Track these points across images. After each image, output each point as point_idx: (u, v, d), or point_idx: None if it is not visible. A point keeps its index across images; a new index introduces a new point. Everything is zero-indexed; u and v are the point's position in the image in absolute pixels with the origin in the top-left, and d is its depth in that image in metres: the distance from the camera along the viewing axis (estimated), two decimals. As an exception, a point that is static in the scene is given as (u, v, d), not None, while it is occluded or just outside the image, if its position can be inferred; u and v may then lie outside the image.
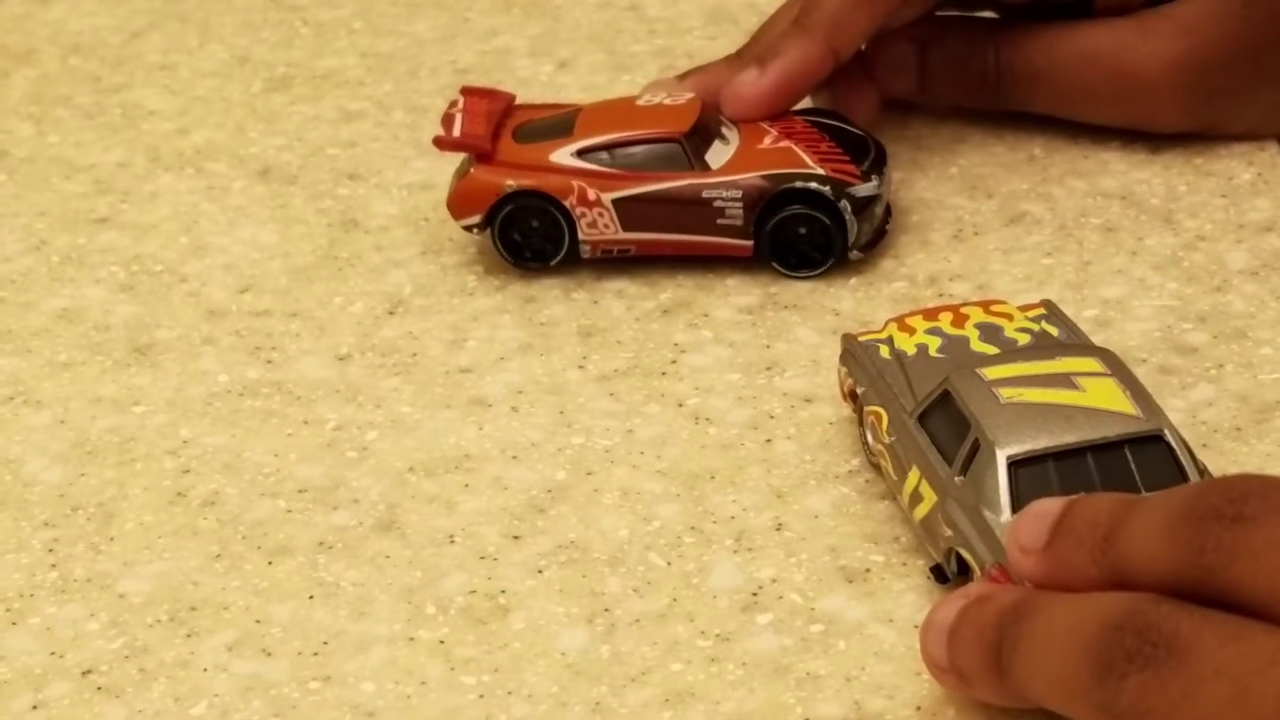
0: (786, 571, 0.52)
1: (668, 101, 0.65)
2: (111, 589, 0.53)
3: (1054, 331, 0.55)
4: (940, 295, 0.63)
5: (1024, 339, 0.54)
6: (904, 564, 0.52)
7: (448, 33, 0.81)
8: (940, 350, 0.54)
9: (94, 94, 0.78)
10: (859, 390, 0.55)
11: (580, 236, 0.64)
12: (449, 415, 0.59)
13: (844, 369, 0.56)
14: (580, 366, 0.61)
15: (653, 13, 0.82)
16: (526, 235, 0.64)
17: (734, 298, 0.63)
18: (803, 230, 0.63)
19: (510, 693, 0.49)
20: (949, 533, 0.49)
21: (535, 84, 0.77)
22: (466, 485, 0.56)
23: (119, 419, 0.59)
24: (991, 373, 0.51)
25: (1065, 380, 0.50)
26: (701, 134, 0.64)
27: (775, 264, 0.64)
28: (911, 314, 0.56)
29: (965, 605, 0.45)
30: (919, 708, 0.47)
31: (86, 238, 0.69)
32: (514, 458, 0.57)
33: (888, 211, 0.65)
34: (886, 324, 0.56)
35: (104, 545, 0.54)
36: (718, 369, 0.60)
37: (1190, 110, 0.68)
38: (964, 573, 0.49)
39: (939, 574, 0.50)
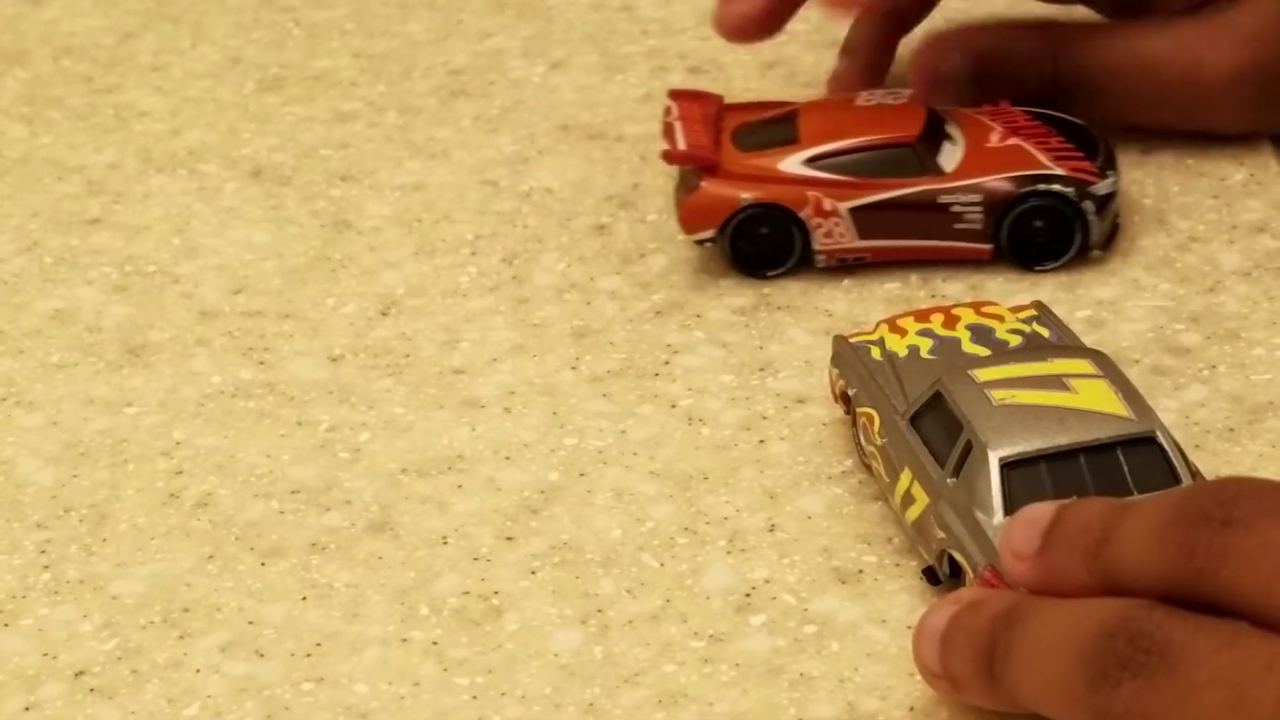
0: (780, 572, 0.52)
1: (889, 101, 0.65)
2: (104, 590, 0.53)
3: (1045, 333, 0.55)
4: (933, 296, 0.63)
5: (1015, 340, 0.54)
6: (897, 565, 0.52)
7: (441, 34, 0.81)
8: (932, 352, 0.54)
9: (86, 95, 0.78)
10: (851, 392, 0.55)
11: (815, 247, 0.63)
12: (442, 416, 0.59)
13: (835, 370, 0.56)
14: (573, 367, 0.61)
15: (646, 13, 0.82)
16: (757, 243, 0.63)
17: (727, 298, 0.63)
18: (1038, 223, 0.62)
19: (503, 694, 0.49)
20: (941, 534, 0.49)
21: (528, 85, 0.77)
22: (459, 486, 0.56)
23: (111, 420, 0.59)
24: (983, 374, 0.51)
25: (1057, 382, 0.50)
26: (931, 136, 0.63)
27: (1016, 262, 0.63)
28: (903, 315, 0.56)
29: (958, 611, 0.45)
30: (912, 708, 0.47)
31: (79, 239, 0.69)
32: (507, 459, 0.57)
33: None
34: (878, 325, 0.56)
35: (96, 546, 0.54)
36: (711, 370, 0.60)
37: (1252, 115, 0.67)
38: (956, 574, 0.49)
39: (931, 576, 0.50)
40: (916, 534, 0.51)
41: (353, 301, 0.64)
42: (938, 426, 0.51)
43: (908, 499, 0.51)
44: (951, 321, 0.55)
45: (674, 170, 0.67)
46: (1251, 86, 0.66)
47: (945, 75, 0.67)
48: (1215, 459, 0.55)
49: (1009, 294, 0.62)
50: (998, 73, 0.68)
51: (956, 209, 0.62)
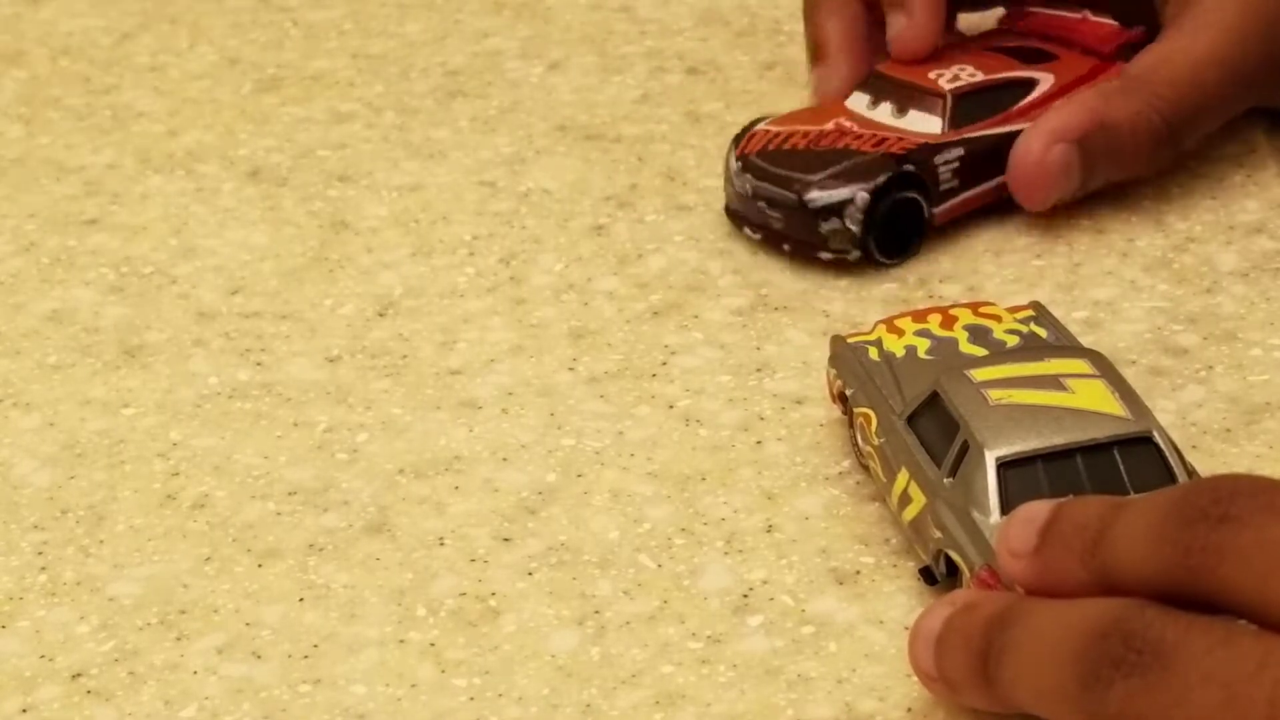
0: (777, 573, 0.52)
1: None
2: (101, 592, 0.53)
3: (1043, 333, 0.55)
4: (930, 297, 0.63)
5: (1013, 340, 0.54)
6: (894, 565, 0.52)
7: (438, 34, 0.81)
8: (929, 352, 0.54)
9: (84, 95, 0.78)
10: (848, 392, 0.55)
11: None
12: (439, 417, 0.59)
13: (833, 371, 0.56)
14: (570, 368, 0.61)
15: (644, 14, 0.82)
16: None
17: (725, 299, 0.63)
18: None
19: (501, 695, 0.49)
20: (938, 534, 0.49)
21: (526, 85, 0.77)
22: (457, 487, 0.56)
23: (109, 421, 0.59)
24: (980, 374, 0.51)
25: (1054, 382, 0.50)
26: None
27: None
28: (900, 316, 0.56)
29: (952, 613, 0.45)
30: (910, 709, 0.47)
31: (76, 239, 0.69)
32: (504, 460, 0.57)
33: None
34: (875, 326, 0.56)
35: (94, 548, 0.54)
36: (708, 371, 0.60)
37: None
38: (953, 574, 0.49)
39: (928, 575, 0.50)
40: (913, 534, 0.51)
41: (350, 302, 0.64)
42: (935, 426, 0.51)
43: (905, 499, 0.51)
44: (949, 322, 0.55)
45: (672, 172, 0.67)
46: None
47: (1056, 170, 0.64)
48: (1212, 460, 0.55)
49: (1008, 294, 0.62)
50: (1105, 145, 0.65)
51: None
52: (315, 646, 0.50)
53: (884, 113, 0.65)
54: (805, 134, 0.65)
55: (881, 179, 0.63)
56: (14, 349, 0.63)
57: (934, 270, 0.64)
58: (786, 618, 0.50)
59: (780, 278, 0.64)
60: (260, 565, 0.53)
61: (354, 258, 0.67)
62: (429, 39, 0.81)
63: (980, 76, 0.66)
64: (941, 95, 0.65)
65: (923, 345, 0.55)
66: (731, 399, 0.59)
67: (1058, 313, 0.57)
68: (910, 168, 0.63)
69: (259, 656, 0.50)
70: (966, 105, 0.65)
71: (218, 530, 0.55)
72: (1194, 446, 0.55)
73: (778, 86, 0.75)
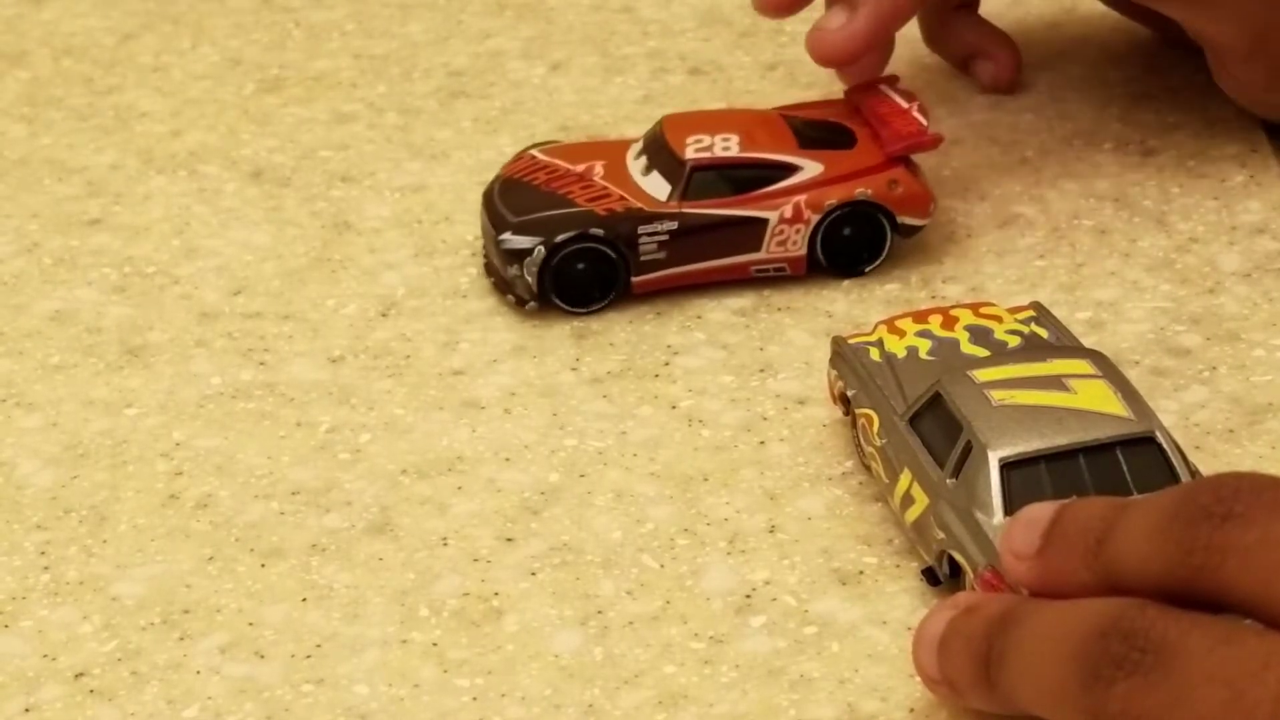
0: (780, 573, 0.52)
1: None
2: (104, 591, 0.53)
3: (1043, 333, 0.55)
4: (933, 297, 0.63)
5: (1014, 341, 0.54)
6: (897, 566, 0.52)
7: (441, 35, 0.81)
8: (930, 353, 0.54)
9: (86, 96, 0.78)
10: (850, 393, 0.55)
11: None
12: (442, 417, 0.59)
13: (834, 372, 0.56)
14: (573, 369, 0.61)
15: (646, 14, 0.82)
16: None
17: (727, 300, 0.63)
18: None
19: (503, 695, 0.49)
20: (941, 535, 0.49)
21: (528, 86, 0.77)
22: (459, 487, 0.56)
23: (111, 421, 0.59)
24: (982, 375, 0.51)
25: (1056, 382, 0.50)
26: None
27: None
28: (901, 316, 0.56)
29: (954, 616, 0.45)
30: (912, 710, 0.47)
31: (79, 240, 0.69)
32: (507, 460, 0.57)
33: None
34: (876, 326, 0.56)
35: (96, 548, 0.54)
36: (711, 371, 0.60)
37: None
38: (956, 575, 0.49)
39: (931, 576, 0.50)
40: (916, 535, 0.51)
41: (353, 302, 0.64)
42: (937, 427, 0.51)
43: (907, 500, 0.51)
44: (950, 322, 0.55)
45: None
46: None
47: None
48: (1215, 460, 0.55)
49: (1010, 295, 0.62)
50: None
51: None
52: (318, 646, 0.50)
53: (638, 167, 0.63)
54: (552, 172, 0.64)
55: (561, 237, 0.61)
56: (16, 349, 0.63)
57: (936, 270, 0.64)
58: (789, 618, 0.50)
59: (782, 278, 0.64)
60: (263, 565, 0.53)
61: (356, 258, 0.67)
62: (431, 39, 0.81)
63: (734, 152, 0.62)
64: (682, 164, 0.62)
65: (924, 346, 0.55)
66: (734, 399, 0.59)
67: (1060, 313, 0.57)
68: (599, 231, 0.61)
69: (262, 656, 0.50)
70: (703, 180, 0.62)
71: (220, 530, 0.55)
72: (1197, 447, 0.55)
73: (780, 87, 0.75)
